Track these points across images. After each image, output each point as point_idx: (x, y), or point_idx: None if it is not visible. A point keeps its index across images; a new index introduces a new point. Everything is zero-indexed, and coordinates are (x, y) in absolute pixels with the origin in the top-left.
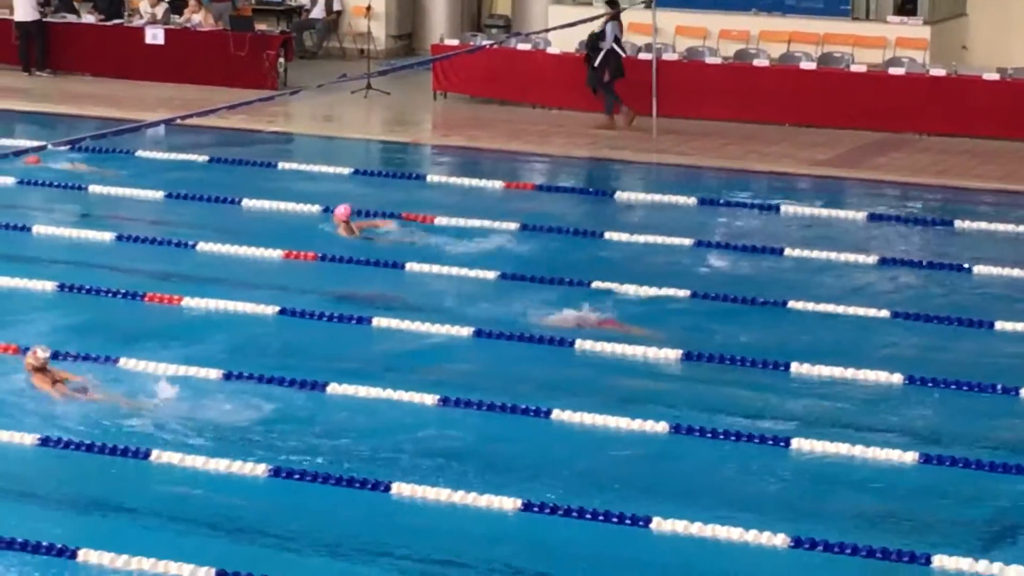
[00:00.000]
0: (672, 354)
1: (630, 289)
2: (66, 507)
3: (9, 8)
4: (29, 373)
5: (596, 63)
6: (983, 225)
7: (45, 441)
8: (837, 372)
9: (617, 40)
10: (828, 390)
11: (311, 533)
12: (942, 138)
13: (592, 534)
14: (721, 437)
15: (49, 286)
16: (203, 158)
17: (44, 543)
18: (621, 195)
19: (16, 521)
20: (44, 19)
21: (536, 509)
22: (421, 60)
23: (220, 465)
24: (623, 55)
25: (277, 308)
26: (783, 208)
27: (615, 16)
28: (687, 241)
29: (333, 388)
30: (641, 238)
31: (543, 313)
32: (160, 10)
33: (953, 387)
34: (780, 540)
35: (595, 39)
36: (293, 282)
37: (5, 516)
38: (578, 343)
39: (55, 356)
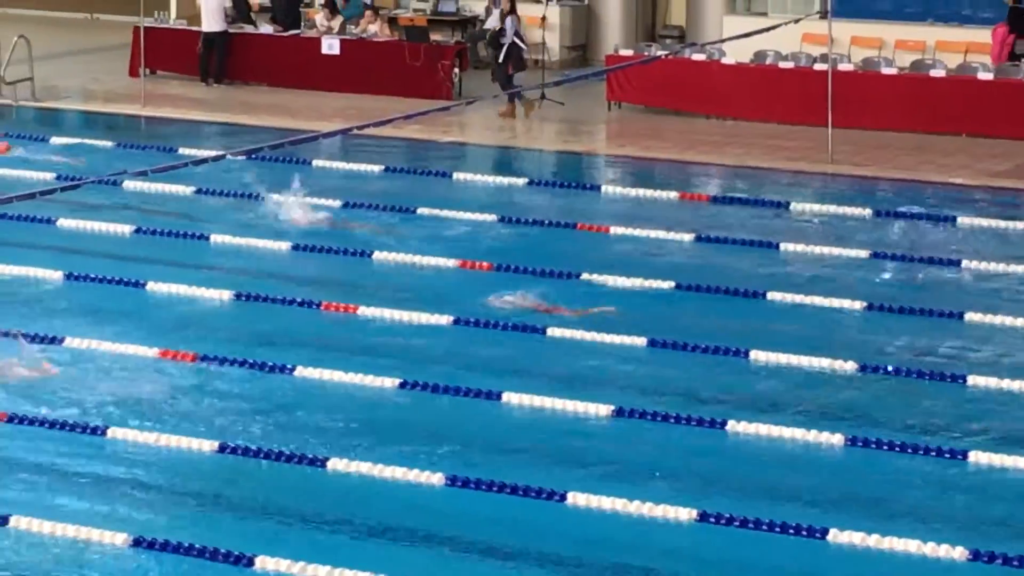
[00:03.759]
0: (848, 366)
1: (806, 299)
2: (243, 514)
3: (188, 19)
4: None
5: (500, 58)
6: None
7: (223, 448)
8: (1016, 385)
9: (517, 34)
10: (1007, 403)
11: (486, 541)
12: None
13: (768, 545)
14: (897, 449)
15: (226, 295)
16: (378, 168)
17: (222, 550)
18: (796, 206)
19: (194, 527)
20: (228, 31)
21: (712, 520)
22: (595, 71)
23: (396, 473)
24: (525, 48)
25: (451, 318)
26: (960, 219)
27: (513, 10)
28: (863, 253)
29: (508, 397)
30: (816, 249)
31: (715, 326)
32: (336, 23)
33: None
34: (959, 553)
35: (496, 36)
36: (468, 291)
37: (183, 522)
38: (753, 354)
39: (233, 363)
